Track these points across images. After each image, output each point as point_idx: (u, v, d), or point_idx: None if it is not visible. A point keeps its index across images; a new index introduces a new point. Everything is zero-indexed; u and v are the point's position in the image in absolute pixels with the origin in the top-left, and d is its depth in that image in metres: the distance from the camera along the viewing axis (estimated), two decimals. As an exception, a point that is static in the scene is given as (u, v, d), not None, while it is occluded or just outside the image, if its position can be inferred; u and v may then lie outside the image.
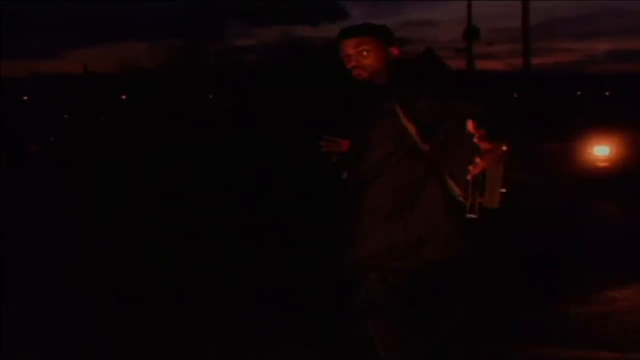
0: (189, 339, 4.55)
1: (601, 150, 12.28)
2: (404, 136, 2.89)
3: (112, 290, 5.44)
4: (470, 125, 2.62)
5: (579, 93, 32.30)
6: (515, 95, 24.81)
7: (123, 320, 4.88)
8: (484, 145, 2.60)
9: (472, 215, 2.83)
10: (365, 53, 2.96)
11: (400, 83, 2.95)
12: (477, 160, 2.62)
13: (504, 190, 2.83)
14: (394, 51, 3.01)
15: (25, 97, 24.76)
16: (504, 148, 2.68)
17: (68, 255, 6.34)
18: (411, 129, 2.88)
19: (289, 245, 6.23)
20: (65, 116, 19.44)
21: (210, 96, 15.47)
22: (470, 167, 2.65)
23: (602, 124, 13.10)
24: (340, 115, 3.31)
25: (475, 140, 2.61)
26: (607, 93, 34.53)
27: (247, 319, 4.82)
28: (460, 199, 2.88)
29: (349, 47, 2.97)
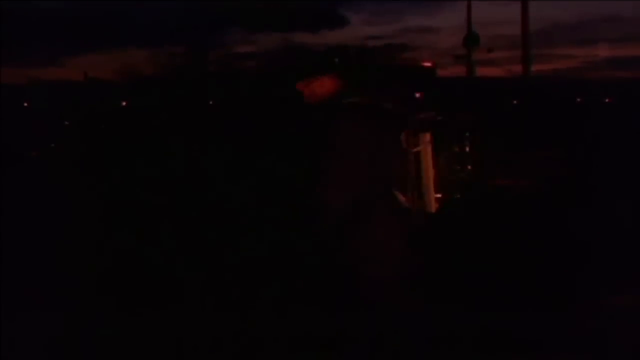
0: (188, 340, 4.57)
1: None
2: (352, 150, 3.18)
3: (111, 291, 5.46)
4: None
5: (578, 100, 32.29)
6: (515, 101, 24.89)
7: (122, 321, 4.89)
8: None
9: (418, 221, 3.13)
10: (306, 91, 3.58)
11: (340, 102, 3.40)
12: None
13: (438, 195, 3.13)
14: (333, 78, 3.49)
15: (26, 104, 24.77)
16: None
17: (67, 257, 6.35)
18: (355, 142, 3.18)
19: (284, 246, 6.25)
20: (66, 123, 19.47)
21: (211, 102, 15.53)
22: None
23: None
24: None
25: None
26: (608, 100, 34.50)
27: (246, 319, 4.85)
28: (406, 205, 3.16)
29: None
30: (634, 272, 5.82)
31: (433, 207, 3.18)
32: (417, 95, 3.74)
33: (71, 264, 6.20)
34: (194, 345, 4.53)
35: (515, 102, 24.92)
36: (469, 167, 3.23)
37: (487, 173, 9.32)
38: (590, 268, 5.90)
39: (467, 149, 3.24)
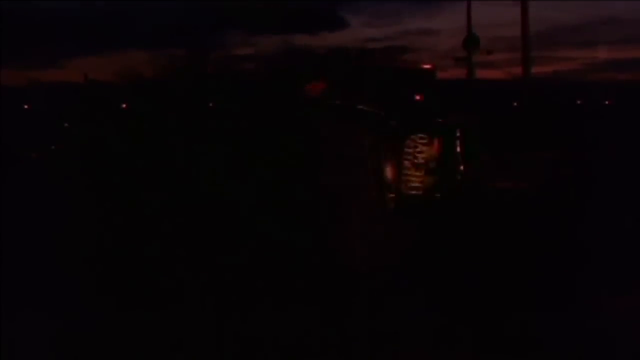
0: (188, 340, 4.56)
1: None
2: (324, 147, 3.33)
3: (111, 291, 5.46)
4: None
5: (579, 102, 32.26)
6: (515, 103, 24.91)
7: (122, 321, 4.90)
8: None
9: (380, 217, 3.28)
10: (308, 91, 3.82)
11: (321, 103, 3.66)
12: None
13: (392, 195, 3.34)
14: (321, 81, 3.90)
15: (26, 106, 24.76)
16: None
17: (68, 257, 6.36)
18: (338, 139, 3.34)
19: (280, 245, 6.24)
20: (66, 124, 19.43)
21: (210, 104, 15.52)
22: None
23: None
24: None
25: None
26: (608, 102, 34.47)
27: (245, 318, 4.85)
28: (372, 201, 3.31)
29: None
30: (634, 272, 5.82)
31: (392, 204, 3.30)
32: (417, 97, 3.82)
33: (71, 264, 6.21)
34: (194, 345, 4.53)
35: (515, 104, 24.93)
36: (461, 167, 3.27)
37: (487, 174, 9.32)
38: (590, 268, 5.90)
39: (458, 149, 3.29)
